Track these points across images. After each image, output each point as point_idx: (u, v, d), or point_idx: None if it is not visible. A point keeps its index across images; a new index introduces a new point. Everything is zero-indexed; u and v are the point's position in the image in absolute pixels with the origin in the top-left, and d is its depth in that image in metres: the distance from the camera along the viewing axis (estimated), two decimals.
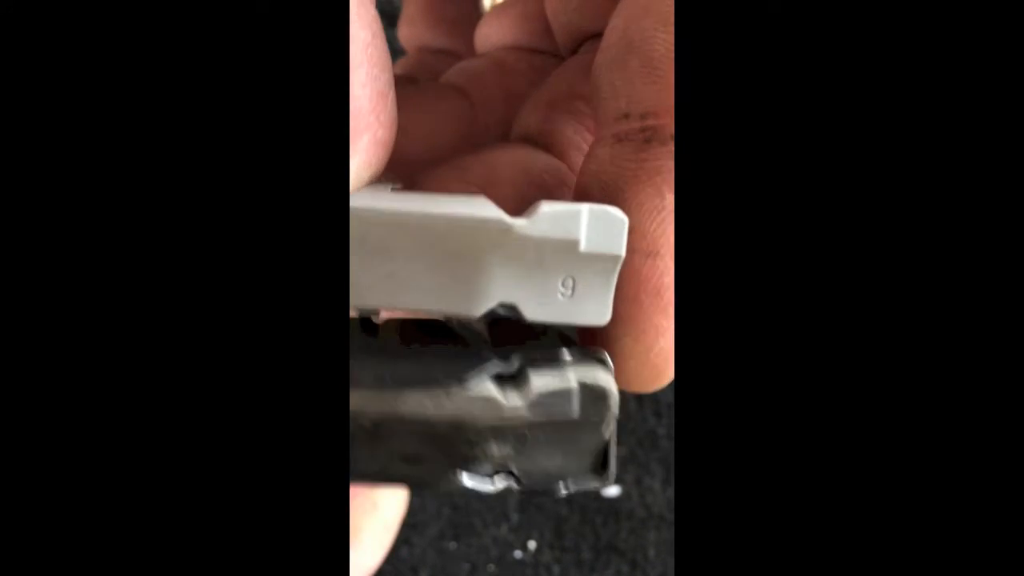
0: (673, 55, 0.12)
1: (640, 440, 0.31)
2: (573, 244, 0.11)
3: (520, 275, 0.11)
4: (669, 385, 0.32)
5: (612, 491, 0.31)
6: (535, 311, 0.11)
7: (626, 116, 0.12)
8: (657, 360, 0.12)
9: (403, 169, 0.14)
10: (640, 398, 0.31)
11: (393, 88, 0.12)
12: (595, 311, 0.12)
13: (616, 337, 0.12)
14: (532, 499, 0.31)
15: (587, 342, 0.12)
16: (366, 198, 0.11)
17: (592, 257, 0.11)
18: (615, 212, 0.11)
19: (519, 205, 0.12)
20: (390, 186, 0.13)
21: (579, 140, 0.14)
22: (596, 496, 0.31)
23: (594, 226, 0.11)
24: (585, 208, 0.11)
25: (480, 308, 0.11)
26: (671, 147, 0.12)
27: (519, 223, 0.11)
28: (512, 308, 0.12)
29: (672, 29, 0.12)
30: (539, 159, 0.14)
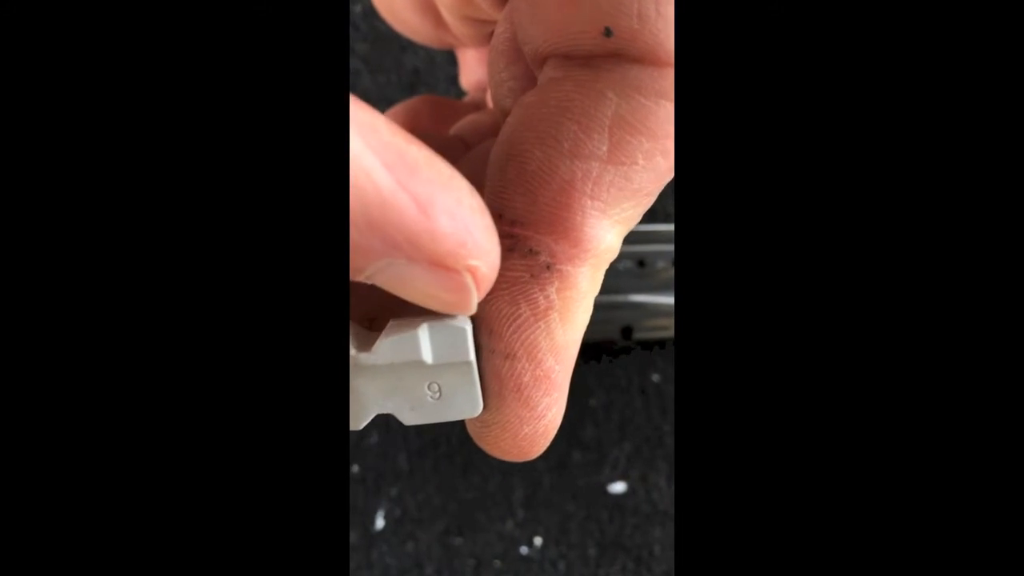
0: (545, 171, 0.12)
1: (646, 437, 0.31)
2: (419, 363, 0.12)
3: (386, 390, 0.12)
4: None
5: (618, 488, 0.31)
6: (410, 416, 0.12)
7: (499, 217, 0.12)
8: (523, 442, 0.13)
9: None
10: (646, 396, 0.31)
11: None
12: (465, 406, 0.13)
13: (489, 423, 0.13)
14: (538, 495, 0.31)
15: (468, 428, 0.14)
16: None
17: (445, 365, 0.12)
18: (454, 324, 0.12)
19: None
20: None
21: None
22: (602, 493, 0.31)
23: (437, 341, 0.12)
24: (424, 328, 0.12)
25: (361, 422, 0.12)
26: (531, 261, 0.12)
27: (362, 356, 0.12)
28: (390, 416, 0.13)
29: (548, 148, 0.12)
30: None
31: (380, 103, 0.31)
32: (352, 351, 0.12)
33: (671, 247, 0.29)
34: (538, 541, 0.31)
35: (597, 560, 0.31)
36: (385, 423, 0.31)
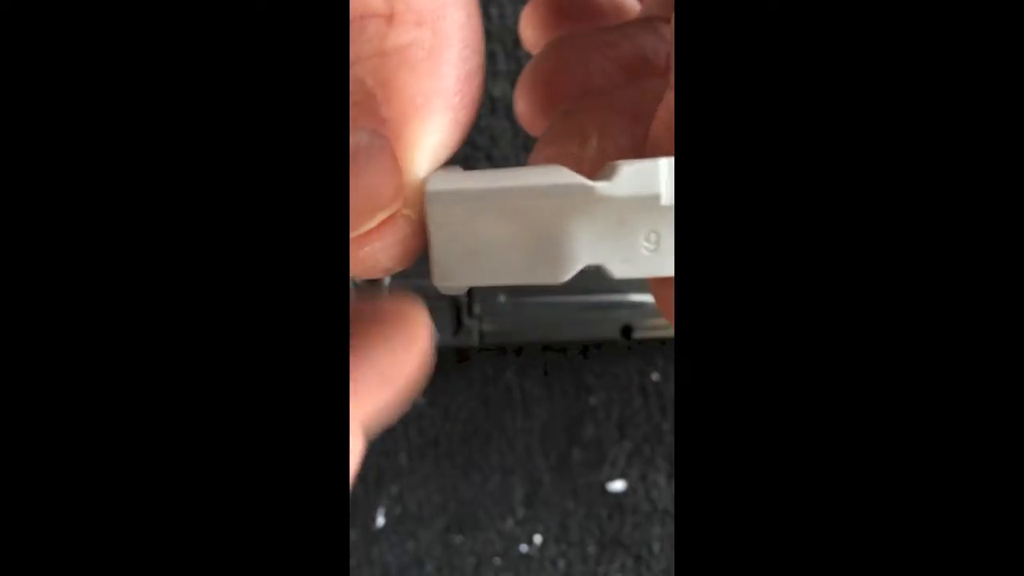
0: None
1: (646, 436, 0.31)
2: (655, 199, 0.11)
3: (604, 235, 0.11)
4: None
5: (617, 486, 0.31)
6: (621, 268, 0.11)
7: None
8: None
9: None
10: (646, 395, 0.31)
11: (483, 70, 0.12)
12: None
13: None
14: (538, 494, 0.31)
15: (656, 285, 0.13)
16: (442, 180, 0.12)
17: (673, 209, 0.11)
18: None
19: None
20: (459, 167, 0.12)
21: None
22: (602, 491, 0.31)
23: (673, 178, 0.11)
24: (664, 161, 0.11)
25: (566, 274, 0.11)
26: None
27: (601, 185, 0.11)
28: (598, 268, 0.12)
29: None
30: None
31: None
32: (587, 182, 0.11)
33: None
34: (538, 539, 0.31)
35: (597, 558, 0.31)
36: None
